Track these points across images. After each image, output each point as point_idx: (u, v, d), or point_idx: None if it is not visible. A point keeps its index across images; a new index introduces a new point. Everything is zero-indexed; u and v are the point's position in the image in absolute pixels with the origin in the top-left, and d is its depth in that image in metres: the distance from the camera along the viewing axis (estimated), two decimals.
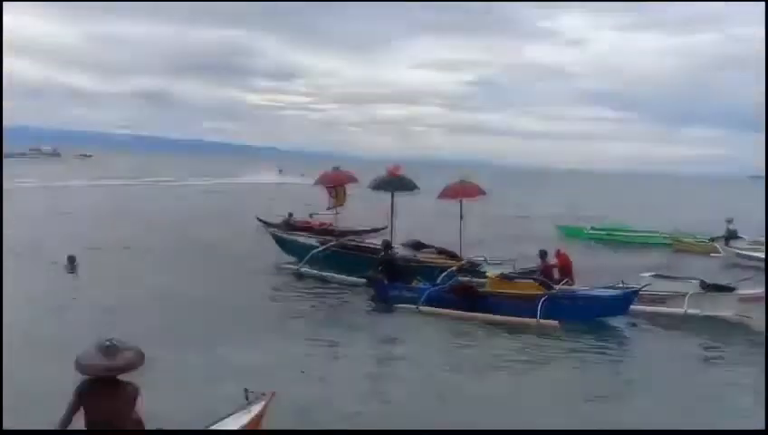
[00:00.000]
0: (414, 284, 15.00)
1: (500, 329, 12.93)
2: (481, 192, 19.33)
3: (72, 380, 4.98)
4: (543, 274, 15.35)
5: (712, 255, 24.14)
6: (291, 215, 26.54)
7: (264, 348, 10.92)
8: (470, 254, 17.91)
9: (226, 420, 6.06)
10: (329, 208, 21.42)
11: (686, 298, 14.09)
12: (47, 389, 7.11)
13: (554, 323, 13.00)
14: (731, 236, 25.55)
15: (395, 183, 19.03)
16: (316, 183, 21.68)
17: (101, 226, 26.06)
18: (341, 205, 21.03)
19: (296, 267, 18.15)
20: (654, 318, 13.86)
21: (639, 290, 13.71)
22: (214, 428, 5.97)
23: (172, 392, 8.03)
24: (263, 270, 18.43)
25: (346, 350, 11.56)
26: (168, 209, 34.80)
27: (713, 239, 25.68)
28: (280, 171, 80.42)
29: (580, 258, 17.94)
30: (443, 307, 13.85)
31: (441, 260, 17.57)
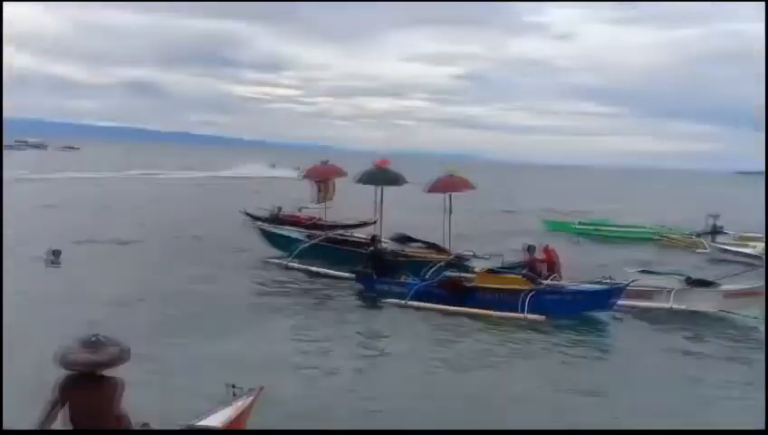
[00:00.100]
0: (402, 279, 15.01)
1: (487, 323, 12.99)
2: (470, 186, 19.29)
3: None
4: (529, 268, 15.38)
5: (698, 250, 24.41)
6: (280, 209, 26.41)
7: (251, 343, 10.89)
8: (458, 248, 17.92)
9: (211, 415, 6.02)
10: (318, 202, 21.35)
11: (672, 294, 14.25)
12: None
13: (541, 317, 13.10)
14: (715, 231, 25.81)
15: (381, 177, 18.93)
16: (304, 177, 21.59)
17: (87, 219, 25.85)
18: (330, 199, 20.96)
19: (283, 261, 18.09)
20: (640, 313, 13.98)
21: (626, 286, 13.81)
22: (199, 423, 5.93)
23: (156, 388, 7.99)
24: (250, 264, 18.37)
25: (333, 344, 11.54)
26: (154, 203, 34.57)
27: (698, 235, 25.92)
28: (273, 166, 79.33)
29: (567, 253, 17.98)
30: (431, 302, 13.88)
31: (430, 254, 17.57)
